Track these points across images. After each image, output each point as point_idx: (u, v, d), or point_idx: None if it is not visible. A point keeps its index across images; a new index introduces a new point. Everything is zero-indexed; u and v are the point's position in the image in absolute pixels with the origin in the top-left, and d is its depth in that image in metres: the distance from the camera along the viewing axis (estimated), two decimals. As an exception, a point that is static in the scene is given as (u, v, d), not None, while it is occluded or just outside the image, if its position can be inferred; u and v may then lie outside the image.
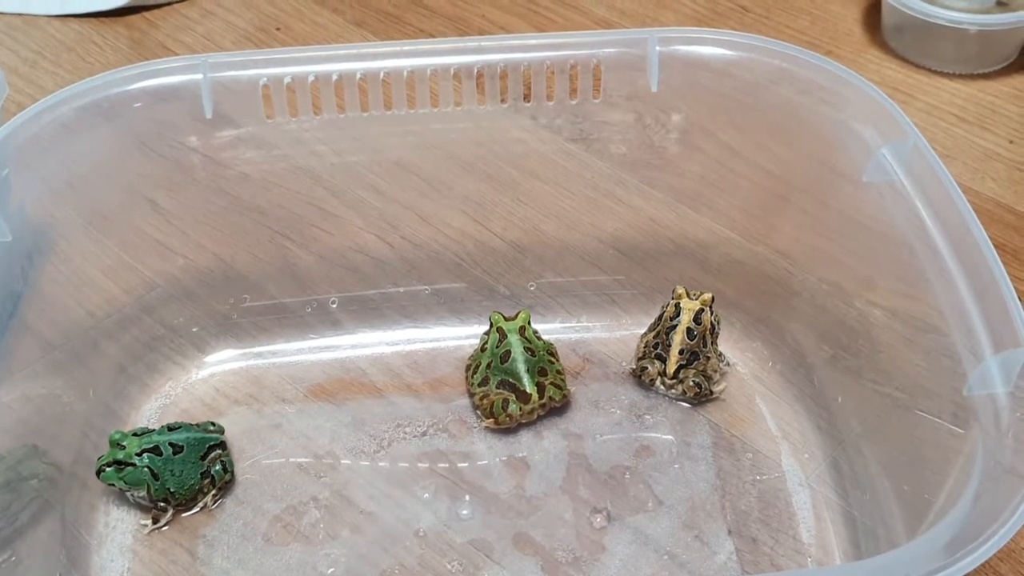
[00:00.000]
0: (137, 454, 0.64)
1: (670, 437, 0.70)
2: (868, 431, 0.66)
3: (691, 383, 0.71)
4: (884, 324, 0.66)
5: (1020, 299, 0.54)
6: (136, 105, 0.67)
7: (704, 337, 0.72)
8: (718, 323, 0.73)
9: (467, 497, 0.67)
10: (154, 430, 0.67)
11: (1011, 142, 0.88)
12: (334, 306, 0.77)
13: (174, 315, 0.75)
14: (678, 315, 0.72)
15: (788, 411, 0.71)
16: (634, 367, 0.73)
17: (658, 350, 0.72)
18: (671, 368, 0.71)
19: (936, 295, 0.57)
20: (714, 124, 0.72)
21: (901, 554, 0.46)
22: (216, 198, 0.73)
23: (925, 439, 0.59)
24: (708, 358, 0.72)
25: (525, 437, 0.70)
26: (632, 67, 0.70)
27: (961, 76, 0.93)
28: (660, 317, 0.73)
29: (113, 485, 0.65)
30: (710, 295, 0.72)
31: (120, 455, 0.64)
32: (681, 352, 0.71)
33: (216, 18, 1.01)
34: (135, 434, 0.66)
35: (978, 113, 0.90)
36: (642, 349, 0.73)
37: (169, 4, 1.02)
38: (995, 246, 0.56)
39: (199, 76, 0.67)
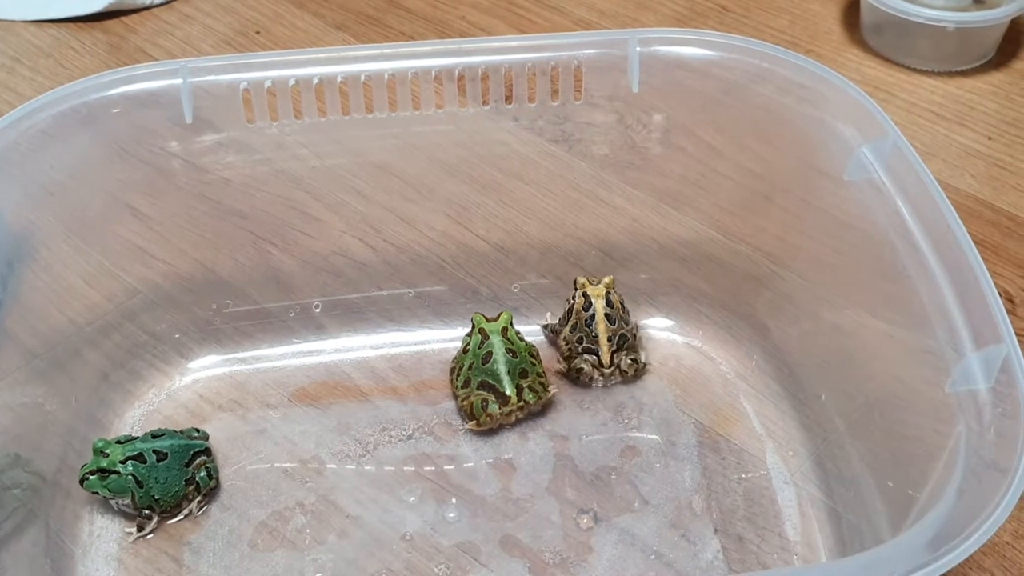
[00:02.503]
0: (121, 462, 0.64)
1: (655, 437, 0.70)
2: (852, 428, 0.66)
3: (628, 362, 0.72)
4: (866, 321, 0.66)
5: (1000, 295, 0.54)
6: (115, 111, 0.67)
7: (621, 317, 0.73)
8: (623, 300, 0.74)
9: (453, 500, 0.67)
10: (138, 437, 0.67)
11: (990, 139, 0.88)
12: (317, 310, 0.77)
13: (156, 321, 0.74)
14: (590, 305, 0.72)
15: (772, 409, 0.71)
16: (568, 369, 0.73)
17: (584, 344, 0.72)
18: (606, 358, 0.72)
19: (917, 292, 0.58)
20: (695, 124, 0.72)
21: (886, 550, 0.46)
22: (197, 203, 0.72)
23: (908, 435, 0.60)
24: (633, 335, 0.73)
25: (511, 439, 0.70)
26: (613, 68, 0.70)
27: (940, 74, 0.94)
28: (570, 311, 0.74)
29: (97, 493, 0.64)
30: (610, 277, 0.74)
31: (104, 463, 0.64)
32: (610, 340, 0.72)
33: (195, 22, 1.01)
34: (119, 442, 0.66)
35: (957, 110, 0.91)
36: (566, 349, 0.73)
37: (147, 8, 1.01)
38: (975, 242, 0.56)
39: (179, 81, 0.67)
